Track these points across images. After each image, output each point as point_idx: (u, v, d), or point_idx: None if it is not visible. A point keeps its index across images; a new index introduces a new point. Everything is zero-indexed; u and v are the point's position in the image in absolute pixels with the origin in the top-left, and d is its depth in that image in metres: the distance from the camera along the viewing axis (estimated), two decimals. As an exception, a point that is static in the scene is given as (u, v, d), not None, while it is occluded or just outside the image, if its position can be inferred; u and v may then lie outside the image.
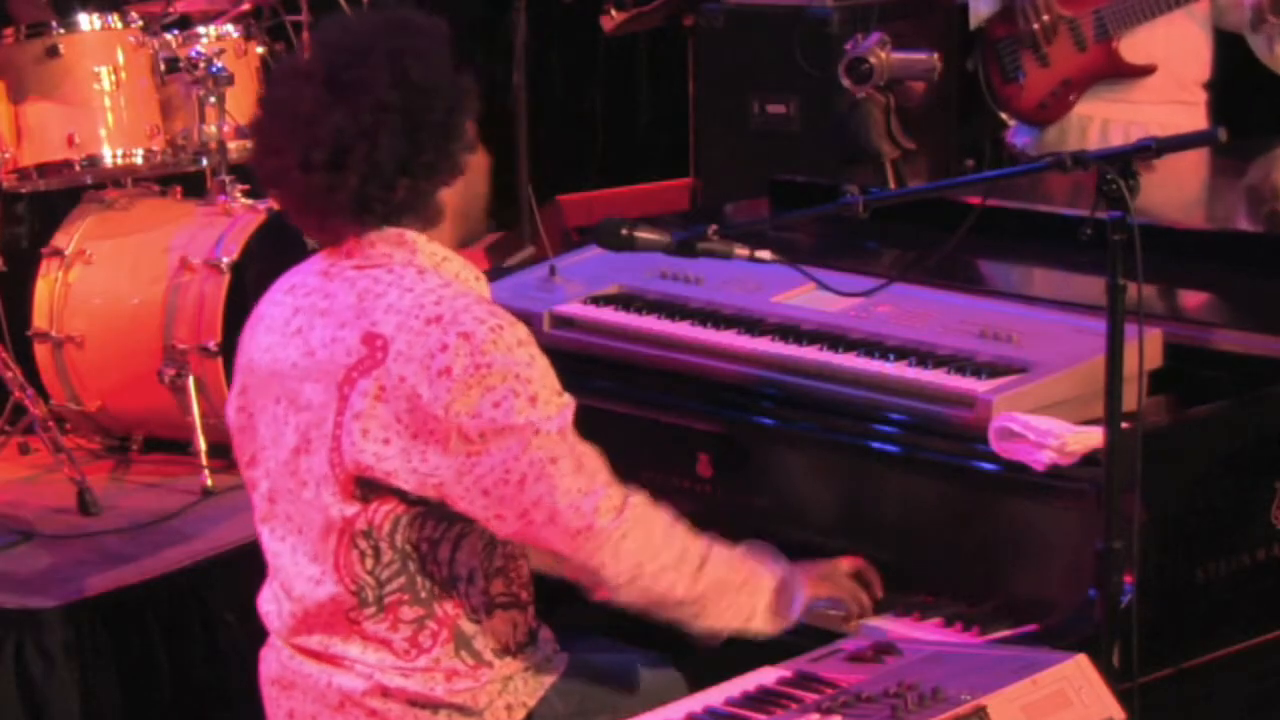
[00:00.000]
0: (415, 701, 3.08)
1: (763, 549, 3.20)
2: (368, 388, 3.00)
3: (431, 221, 3.11)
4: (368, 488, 3.02)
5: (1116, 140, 5.27)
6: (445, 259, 3.11)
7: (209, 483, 5.44)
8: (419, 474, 2.99)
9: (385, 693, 3.08)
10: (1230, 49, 5.53)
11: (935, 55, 4.63)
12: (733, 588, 3.10)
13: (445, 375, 2.96)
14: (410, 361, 2.98)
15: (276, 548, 3.18)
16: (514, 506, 3.00)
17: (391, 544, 3.05)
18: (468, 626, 3.10)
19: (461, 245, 3.18)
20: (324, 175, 3.03)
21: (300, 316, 3.12)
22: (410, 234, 3.09)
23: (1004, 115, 5.61)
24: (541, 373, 3.02)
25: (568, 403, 3.04)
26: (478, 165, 3.17)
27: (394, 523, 3.04)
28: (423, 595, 3.08)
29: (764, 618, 3.13)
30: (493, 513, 3.01)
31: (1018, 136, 5.66)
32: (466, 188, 3.15)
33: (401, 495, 3.02)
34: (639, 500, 3.06)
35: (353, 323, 3.04)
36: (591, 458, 3.03)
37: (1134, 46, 5.40)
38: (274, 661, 3.20)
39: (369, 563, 3.06)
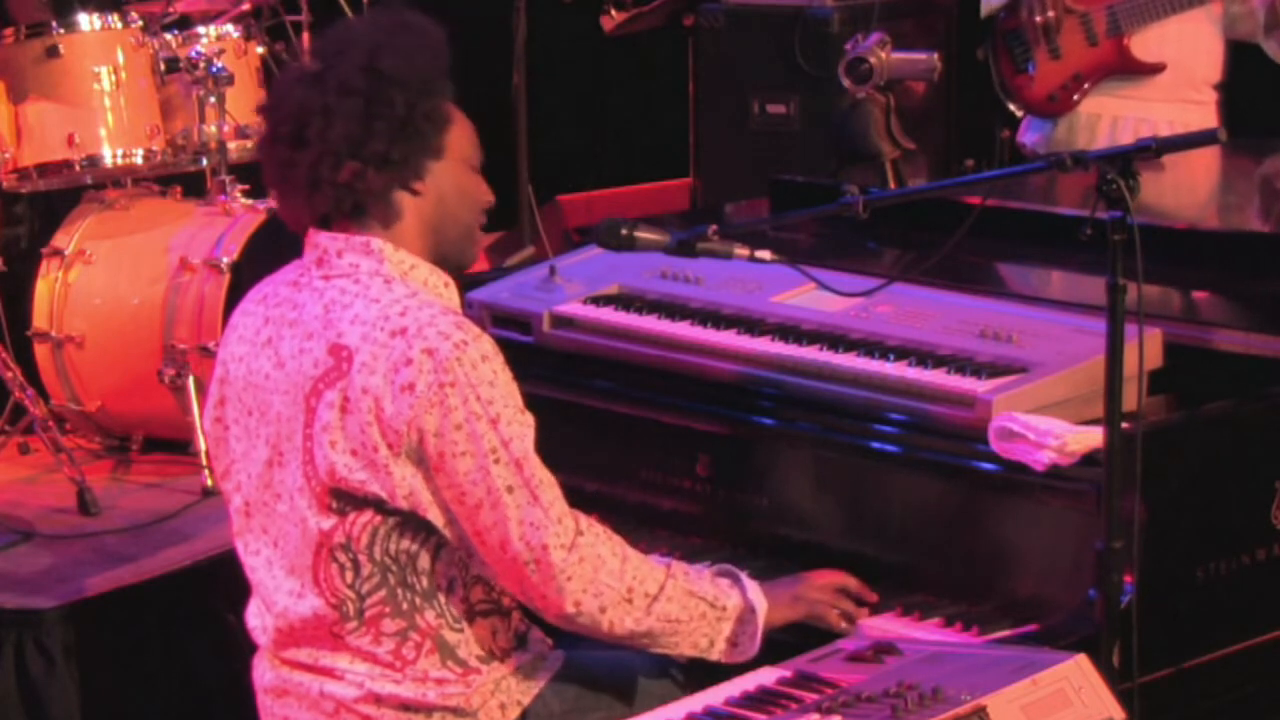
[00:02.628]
0: (408, 706, 3.08)
1: (732, 571, 3.18)
2: (333, 399, 3.00)
3: (388, 223, 3.10)
4: (344, 500, 3.02)
5: (1126, 138, 5.27)
6: (413, 266, 3.10)
7: (209, 483, 5.43)
8: (387, 486, 3.00)
9: (378, 699, 3.08)
10: (1241, 49, 5.53)
11: (935, 55, 4.63)
12: (686, 622, 3.08)
13: (408, 391, 2.96)
14: (374, 374, 2.98)
15: (253, 562, 3.18)
16: (468, 525, 3.01)
17: (370, 557, 3.05)
18: (450, 636, 3.10)
19: (443, 268, 3.17)
20: (286, 149, 3.07)
21: (270, 327, 3.12)
22: (377, 242, 3.09)
23: (1012, 106, 5.61)
24: (504, 390, 3.01)
25: (528, 422, 3.03)
26: (454, 184, 3.14)
27: (372, 535, 3.04)
28: (404, 607, 3.07)
29: (722, 648, 3.12)
30: (445, 521, 3.02)
31: (1027, 135, 5.66)
32: (439, 204, 3.13)
33: (378, 506, 3.02)
34: (589, 537, 3.04)
35: (319, 334, 3.04)
36: (548, 487, 3.02)
37: (1145, 44, 5.41)
38: (267, 670, 3.20)
39: (349, 576, 3.06)
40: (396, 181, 3.09)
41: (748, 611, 3.12)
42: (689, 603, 3.09)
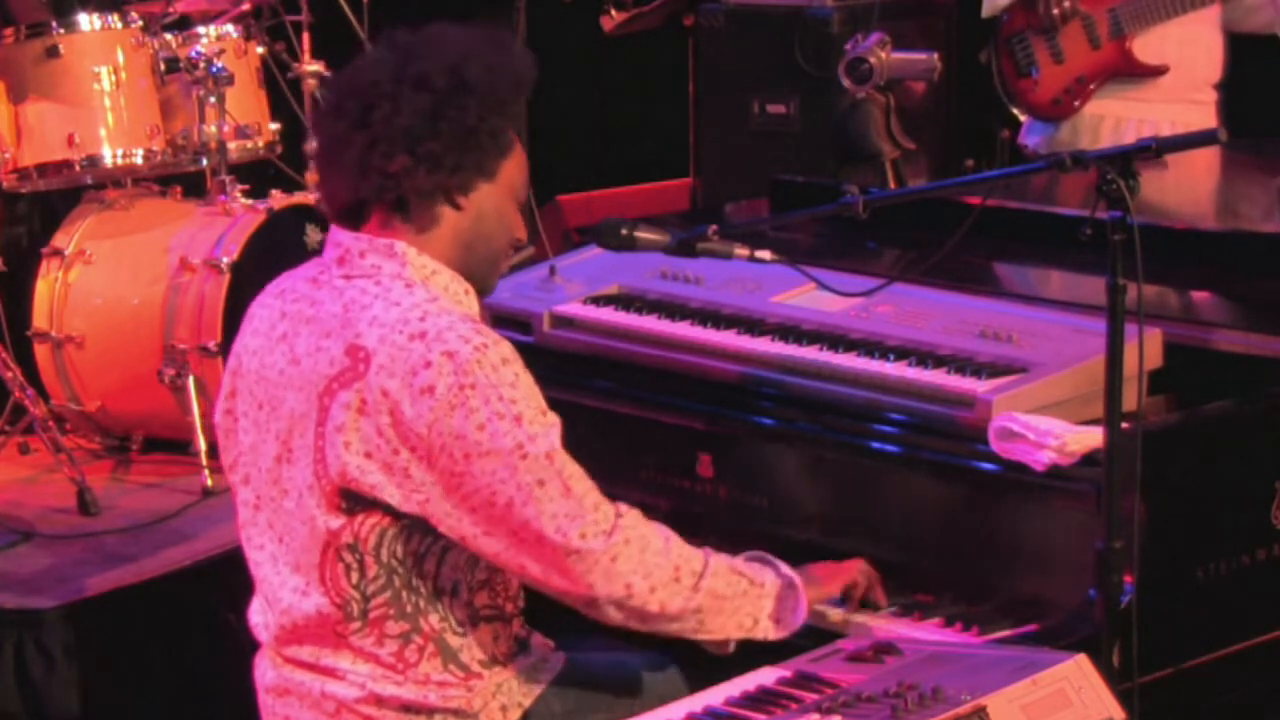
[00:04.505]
0: (409, 707, 3.08)
1: (764, 556, 3.19)
2: (348, 400, 2.99)
3: (423, 228, 3.09)
4: (353, 500, 3.01)
5: (1129, 139, 5.27)
6: (435, 272, 3.09)
7: (209, 483, 5.45)
8: (404, 489, 2.99)
9: (379, 700, 3.08)
10: (1240, 49, 5.54)
11: (935, 55, 4.64)
12: (731, 599, 3.09)
13: (428, 394, 2.95)
14: (392, 376, 2.97)
15: (257, 557, 3.17)
16: (502, 527, 2.99)
17: (377, 558, 3.04)
18: (453, 640, 3.09)
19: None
20: (347, 125, 3.05)
21: (286, 322, 3.11)
22: (400, 245, 3.08)
23: (1016, 110, 5.61)
24: (526, 392, 3.00)
25: (553, 421, 3.02)
26: (496, 209, 3.14)
27: (380, 536, 3.03)
28: (408, 610, 3.07)
29: (767, 625, 3.12)
30: (481, 531, 3.00)
31: (1029, 136, 5.66)
32: (476, 223, 3.12)
33: (388, 509, 3.01)
34: (630, 519, 3.03)
35: (337, 333, 3.04)
36: (579, 479, 3.01)
37: (1147, 46, 5.42)
38: (268, 669, 3.20)
39: (354, 576, 3.05)
40: (442, 188, 3.08)
41: (786, 587, 3.13)
42: (733, 579, 3.09)
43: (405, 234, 3.09)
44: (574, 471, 3.01)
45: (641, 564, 3.01)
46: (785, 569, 3.16)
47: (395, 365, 2.97)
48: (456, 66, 3.06)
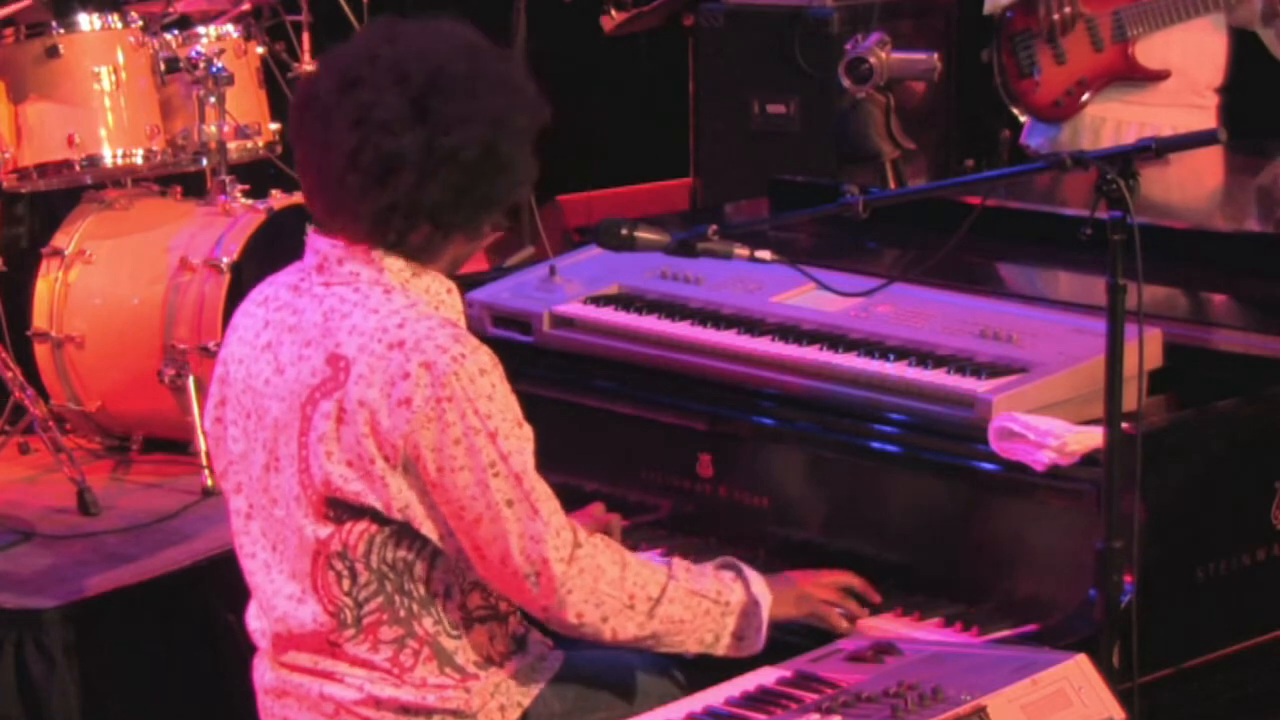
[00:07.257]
0: (408, 709, 3.07)
1: (735, 564, 3.18)
2: (329, 409, 2.98)
3: (427, 259, 3.07)
4: (340, 509, 3.01)
5: (1129, 142, 5.28)
6: (415, 274, 3.07)
7: (209, 483, 5.44)
8: (384, 498, 2.99)
9: (378, 702, 3.07)
10: (1242, 51, 5.54)
11: (935, 55, 4.64)
12: (690, 620, 3.07)
13: (405, 405, 2.94)
14: (370, 386, 2.96)
15: (251, 565, 3.17)
16: (468, 541, 3.00)
17: (367, 565, 3.04)
18: (448, 643, 3.09)
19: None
20: (361, 179, 2.97)
21: (270, 331, 3.10)
22: (378, 252, 3.05)
23: (1016, 110, 5.61)
24: (503, 404, 2.99)
25: (527, 435, 3.01)
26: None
27: (368, 543, 3.03)
28: (401, 614, 3.06)
29: (727, 643, 3.11)
30: (449, 543, 3.02)
31: (1031, 137, 5.67)
32: (467, 244, 3.12)
33: (374, 515, 3.01)
34: (589, 548, 3.02)
35: (318, 342, 3.02)
36: (546, 499, 3.01)
37: (1150, 50, 5.42)
38: (267, 671, 3.19)
39: (345, 584, 3.05)
40: (458, 237, 3.08)
41: (751, 605, 3.12)
42: (691, 601, 3.08)
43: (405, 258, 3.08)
44: (542, 492, 3.01)
45: (594, 594, 3.01)
46: (754, 584, 3.14)
47: (374, 375, 2.96)
48: (491, 141, 3.01)
